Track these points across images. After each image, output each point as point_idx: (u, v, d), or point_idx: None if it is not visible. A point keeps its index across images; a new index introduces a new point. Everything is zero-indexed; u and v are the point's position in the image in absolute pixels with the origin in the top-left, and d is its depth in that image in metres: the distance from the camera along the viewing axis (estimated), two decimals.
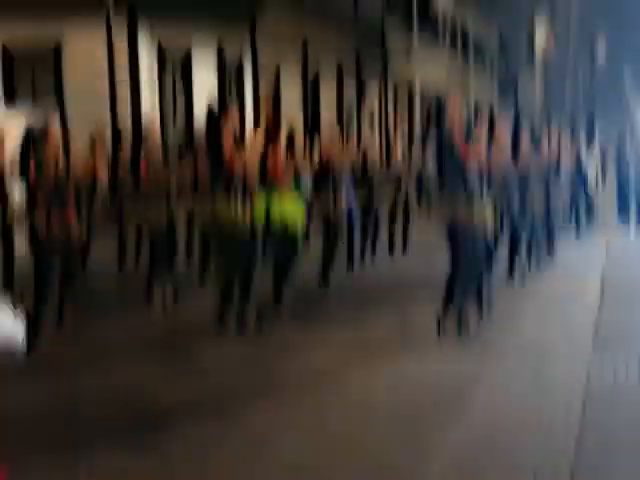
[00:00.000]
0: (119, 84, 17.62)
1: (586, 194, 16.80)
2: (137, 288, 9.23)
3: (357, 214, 11.39)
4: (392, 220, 13.03)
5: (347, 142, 12.00)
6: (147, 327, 8.02)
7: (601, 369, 6.15)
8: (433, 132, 7.49)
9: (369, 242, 12.09)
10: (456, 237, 7.10)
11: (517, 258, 10.43)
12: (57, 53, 18.87)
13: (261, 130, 7.91)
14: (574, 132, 17.09)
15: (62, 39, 18.60)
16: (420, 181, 17.04)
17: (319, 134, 10.94)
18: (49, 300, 7.49)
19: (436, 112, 8.26)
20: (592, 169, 16.92)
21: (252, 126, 19.05)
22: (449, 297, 7.20)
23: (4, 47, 18.86)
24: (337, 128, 13.78)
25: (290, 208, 8.33)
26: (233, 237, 7.46)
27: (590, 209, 17.38)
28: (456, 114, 7.09)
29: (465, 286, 7.31)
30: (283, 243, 8.35)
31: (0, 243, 9.19)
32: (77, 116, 17.32)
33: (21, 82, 19.23)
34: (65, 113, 17.89)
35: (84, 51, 18.33)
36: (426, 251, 12.34)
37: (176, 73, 20.70)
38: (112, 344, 7.30)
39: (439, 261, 10.76)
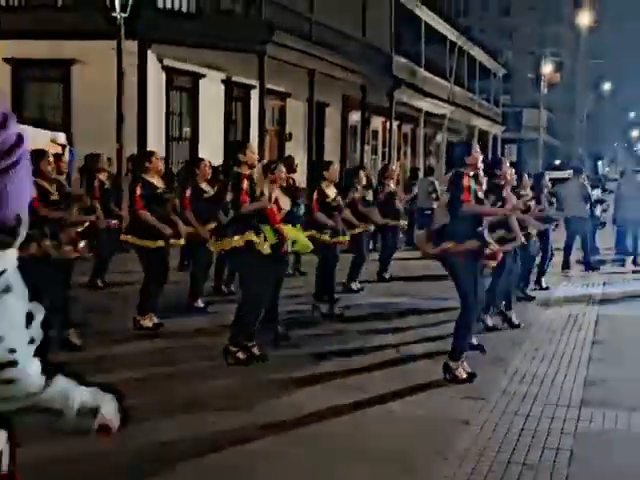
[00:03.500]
0: (127, 107, 17.74)
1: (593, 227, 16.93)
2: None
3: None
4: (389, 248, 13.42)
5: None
6: (139, 351, 8.04)
7: (591, 413, 6.16)
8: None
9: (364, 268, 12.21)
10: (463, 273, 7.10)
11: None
12: (67, 74, 19.14)
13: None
14: (579, 169, 17.16)
15: (73, 60, 18.89)
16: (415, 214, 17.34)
17: (323, 164, 11.00)
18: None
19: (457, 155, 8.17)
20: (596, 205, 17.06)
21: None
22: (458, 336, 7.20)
23: (14, 65, 19.14)
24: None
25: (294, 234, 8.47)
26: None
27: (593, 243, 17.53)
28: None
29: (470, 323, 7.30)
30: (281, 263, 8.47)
31: None
32: (83, 136, 17.51)
33: (30, 101, 19.52)
34: (72, 132, 18.04)
35: (94, 73, 18.55)
36: (420, 283, 12.54)
37: (183, 99, 20.92)
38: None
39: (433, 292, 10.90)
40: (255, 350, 7.62)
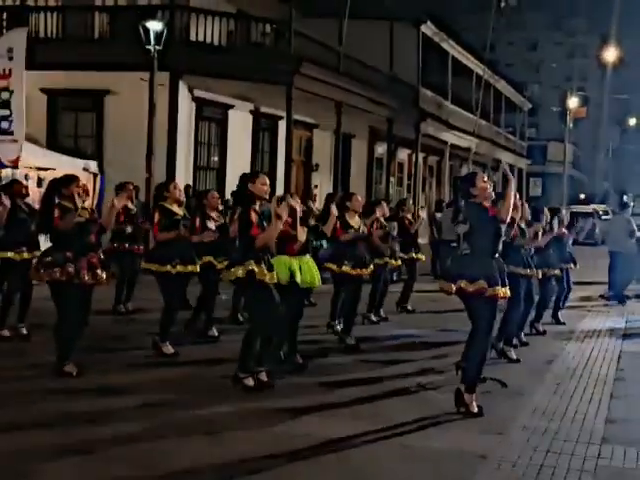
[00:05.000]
0: (157, 137, 18.09)
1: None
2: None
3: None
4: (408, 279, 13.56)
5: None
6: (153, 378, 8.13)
7: (611, 450, 6.13)
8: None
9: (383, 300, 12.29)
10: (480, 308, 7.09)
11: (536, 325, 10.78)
12: (100, 104, 19.57)
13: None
14: (625, 204, 17.25)
15: (106, 91, 19.33)
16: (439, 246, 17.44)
17: (346, 195, 11.07)
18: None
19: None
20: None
21: (282, 189, 19.50)
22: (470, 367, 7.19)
23: (50, 95, 19.58)
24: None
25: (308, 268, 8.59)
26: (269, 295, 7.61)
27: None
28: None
29: (483, 356, 7.25)
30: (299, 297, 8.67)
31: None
32: (114, 165, 17.83)
33: (65, 130, 19.97)
34: (103, 161, 18.40)
35: (126, 103, 18.95)
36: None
37: (212, 129, 21.26)
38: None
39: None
40: (262, 377, 7.67)
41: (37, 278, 8.05)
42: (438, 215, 19.50)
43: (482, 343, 7.11)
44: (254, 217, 7.49)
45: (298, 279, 8.32)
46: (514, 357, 9.56)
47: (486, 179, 7.26)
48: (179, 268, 9.07)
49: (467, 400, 7.08)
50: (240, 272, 7.47)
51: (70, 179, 8.15)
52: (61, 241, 7.84)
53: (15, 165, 13.55)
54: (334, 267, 9.92)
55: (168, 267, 9.00)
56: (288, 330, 8.59)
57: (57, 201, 7.89)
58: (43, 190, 14.37)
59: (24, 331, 9.78)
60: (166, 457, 5.69)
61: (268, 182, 7.79)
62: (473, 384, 7.14)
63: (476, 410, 7.05)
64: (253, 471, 5.46)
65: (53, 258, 7.83)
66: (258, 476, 5.39)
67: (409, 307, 13.47)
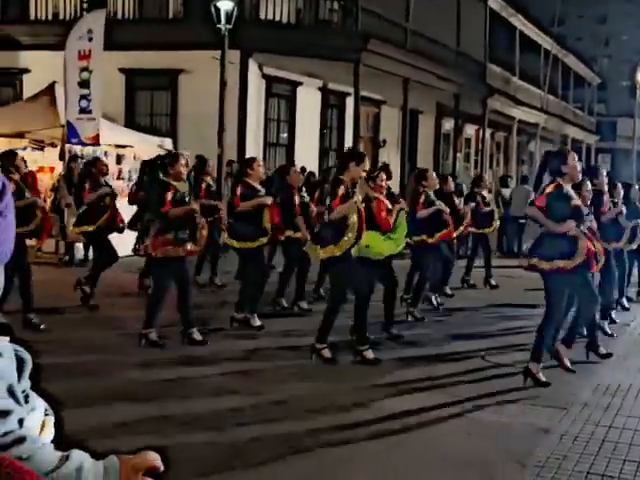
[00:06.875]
0: (228, 114, 18.48)
1: None
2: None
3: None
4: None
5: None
6: (229, 350, 8.39)
7: None
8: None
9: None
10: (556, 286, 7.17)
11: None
12: (174, 82, 20.06)
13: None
14: None
15: (180, 70, 19.80)
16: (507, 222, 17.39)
17: (421, 174, 11.22)
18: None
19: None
20: None
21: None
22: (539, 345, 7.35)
23: (128, 74, 20.14)
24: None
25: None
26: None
27: None
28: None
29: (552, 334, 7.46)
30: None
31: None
32: (187, 141, 18.28)
33: (141, 108, 20.52)
34: (177, 138, 18.89)
35: (198, 82, 19.37)
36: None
37: (281, 106, 21.58)
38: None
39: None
40: (368, 354, 7.86)
41: (152, 252, 8.15)
42: (504, 191, 19.56)
43: (548, 319, 7.22)
44: (342, 191, 7.57)
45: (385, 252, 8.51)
46: (609, 332, 9.57)
47: (576, 158, 7.27)
48: (260, 242, 9.14)
49: (533, 369, 7.23)
50: (336, 251, 7.62)
51: (176, 157, 8.34)
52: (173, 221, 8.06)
53: (94, 142, 14.04)
54: (424, 237, 10.19)
55: (249, 244, 9.09)
56: (385, 302, 8.90)
57: (166, 180, 8.06)
58: (122, 167, 15.07)
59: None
60: (233, 429, 5.88)
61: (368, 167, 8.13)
62: (538, 356, 7.28)
63: (543, 379, 7.22)
64: (327, 444, 5.64)
65: (171, 236, 8.04)
66: (324, 450, 5.54)
67: (471, 281, 13.63)
